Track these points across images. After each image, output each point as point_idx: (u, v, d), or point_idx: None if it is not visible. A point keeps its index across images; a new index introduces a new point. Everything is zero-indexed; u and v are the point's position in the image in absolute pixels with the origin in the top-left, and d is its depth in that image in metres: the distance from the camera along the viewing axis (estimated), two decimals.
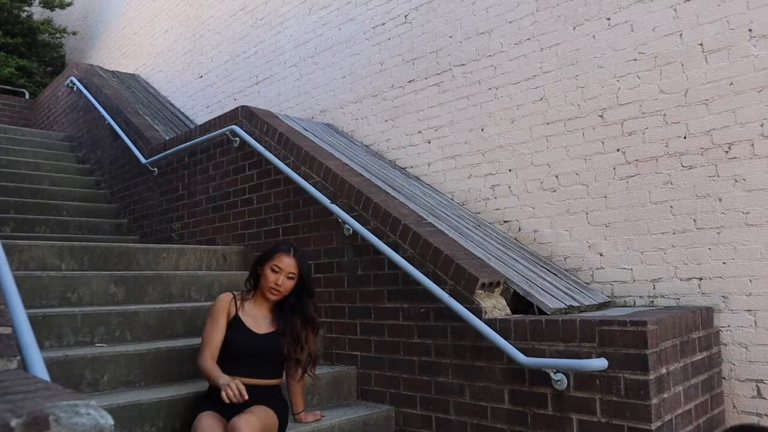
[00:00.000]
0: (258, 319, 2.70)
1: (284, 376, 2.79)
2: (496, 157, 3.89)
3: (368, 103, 4.77)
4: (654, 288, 3.18)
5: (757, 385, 2.86)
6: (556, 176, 3.59)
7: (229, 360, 2.59)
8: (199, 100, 6.91)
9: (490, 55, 3.97)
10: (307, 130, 4.48)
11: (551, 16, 3.67)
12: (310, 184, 3.70)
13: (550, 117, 3.63)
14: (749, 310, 2.89)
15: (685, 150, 3.11)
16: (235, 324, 2.65)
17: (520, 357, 2.54)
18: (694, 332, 2.72)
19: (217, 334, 2.62)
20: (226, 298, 2.72)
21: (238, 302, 2.71)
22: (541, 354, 2.57)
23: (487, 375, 2.79)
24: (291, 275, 2.69)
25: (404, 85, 4.50)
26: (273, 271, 2.67)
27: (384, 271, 3.29)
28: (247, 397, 2.34)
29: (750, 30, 2.92)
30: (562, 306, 2.89)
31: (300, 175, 3.79)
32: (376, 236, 3.25)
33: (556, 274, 3.35)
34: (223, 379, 2.42)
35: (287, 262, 2.69)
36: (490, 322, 2.73)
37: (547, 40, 3.68)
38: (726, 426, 2.87)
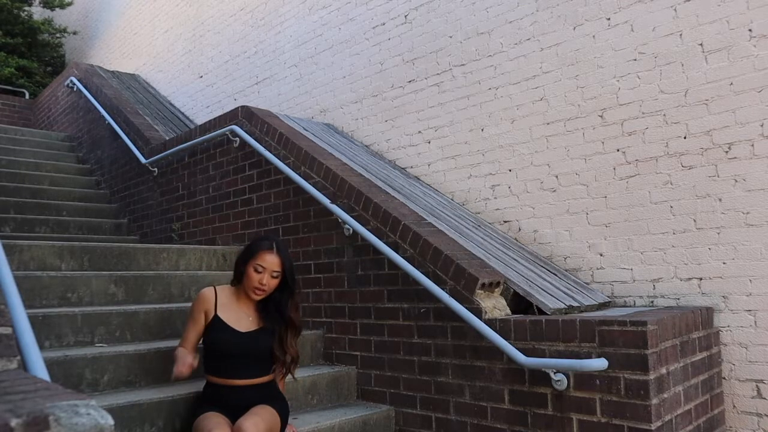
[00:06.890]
0: (240, 318, 2.62)
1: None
2: (496, 157, 3.89)
3: (368, 103, 4.77)
4: (654, 288, 3.18)
5: (757, 385, 2.86)
6: (556, 176, 3.59)
7: (219, 361, 2.57)
8: (199, 100, 6.91)
9: (490, 55, 3.97)
10: (307, 130, 4.48)
11: (551, 16, 3.67)
12: (310, 184, 3.70)
13: (550, 117, 3.63)
14: (749, 310, 2.89)
15: (685, 150, 3.11)
16: (216, 324, 2.58)
17: (520, 357, 2.54)
18: (694, 332, 2.72)
19: (193, 333, 2.62)
20: (206, 294, 2.64)
21: (219, 299, 2.63)
22: (541, 354, 2.57)
23: (487, 375, 2.79)
24: (275, 273, 2.59)
25: (404, 85, 4.50)
26: (256, 270, 2.57)
27: (384, 271, 3.29)
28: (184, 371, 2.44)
29: (750, 30, 2.92)
30: (562, 306, 2.89)
31: (300, 175, 3.79)
32: (376, 236, 3.25)
33: (556, 274, 3.35)
34: (180, 355, 2.50)
35: (270, 261, 2.58)
36: (490, 322, 2.73)
37: (547, 40, 3.68)
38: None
